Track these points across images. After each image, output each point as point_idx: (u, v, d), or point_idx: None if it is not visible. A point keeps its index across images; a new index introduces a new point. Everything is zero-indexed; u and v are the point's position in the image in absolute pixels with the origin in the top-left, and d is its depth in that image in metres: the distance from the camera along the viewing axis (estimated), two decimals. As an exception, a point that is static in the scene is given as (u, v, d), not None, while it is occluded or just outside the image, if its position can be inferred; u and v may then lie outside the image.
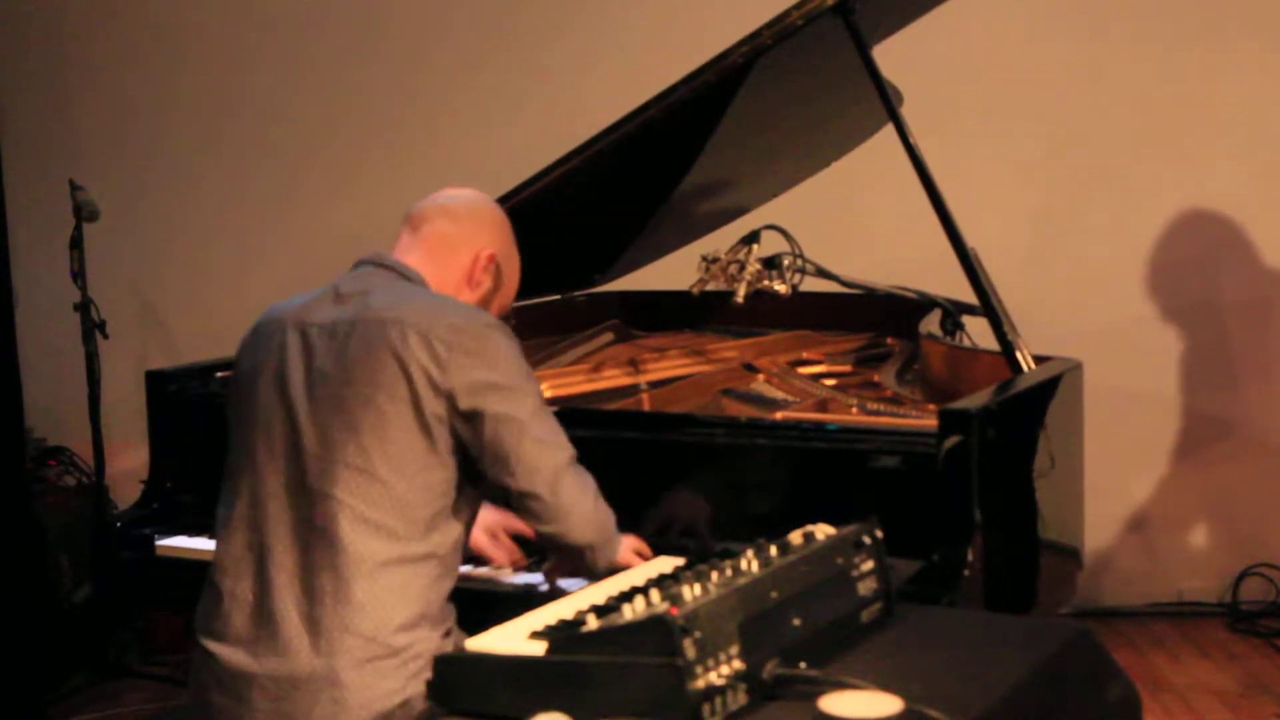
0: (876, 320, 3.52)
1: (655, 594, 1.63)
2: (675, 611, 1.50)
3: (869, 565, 1.84)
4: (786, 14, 2.78)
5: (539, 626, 1.80)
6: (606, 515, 2.20)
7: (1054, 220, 4.65)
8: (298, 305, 2.24)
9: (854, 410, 2.79)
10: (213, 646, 2.12)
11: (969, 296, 2.87)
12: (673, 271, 3.60)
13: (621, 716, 1.48)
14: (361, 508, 2.07)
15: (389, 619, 2.05)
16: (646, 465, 2.52)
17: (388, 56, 4.91)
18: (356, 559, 2.06)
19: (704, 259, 3.11)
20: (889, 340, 3.45)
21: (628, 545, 2.32)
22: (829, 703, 1.45)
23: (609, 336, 3.58)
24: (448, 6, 4.88)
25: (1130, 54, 4.58)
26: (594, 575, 2.25)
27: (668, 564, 2.18)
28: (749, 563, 1.72)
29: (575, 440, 2.19)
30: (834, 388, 3.02)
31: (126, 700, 4.10)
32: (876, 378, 3.11)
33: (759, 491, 2.44)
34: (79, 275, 4.22)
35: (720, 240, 3.24)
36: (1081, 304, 4.54)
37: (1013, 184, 4.62)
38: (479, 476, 2.16)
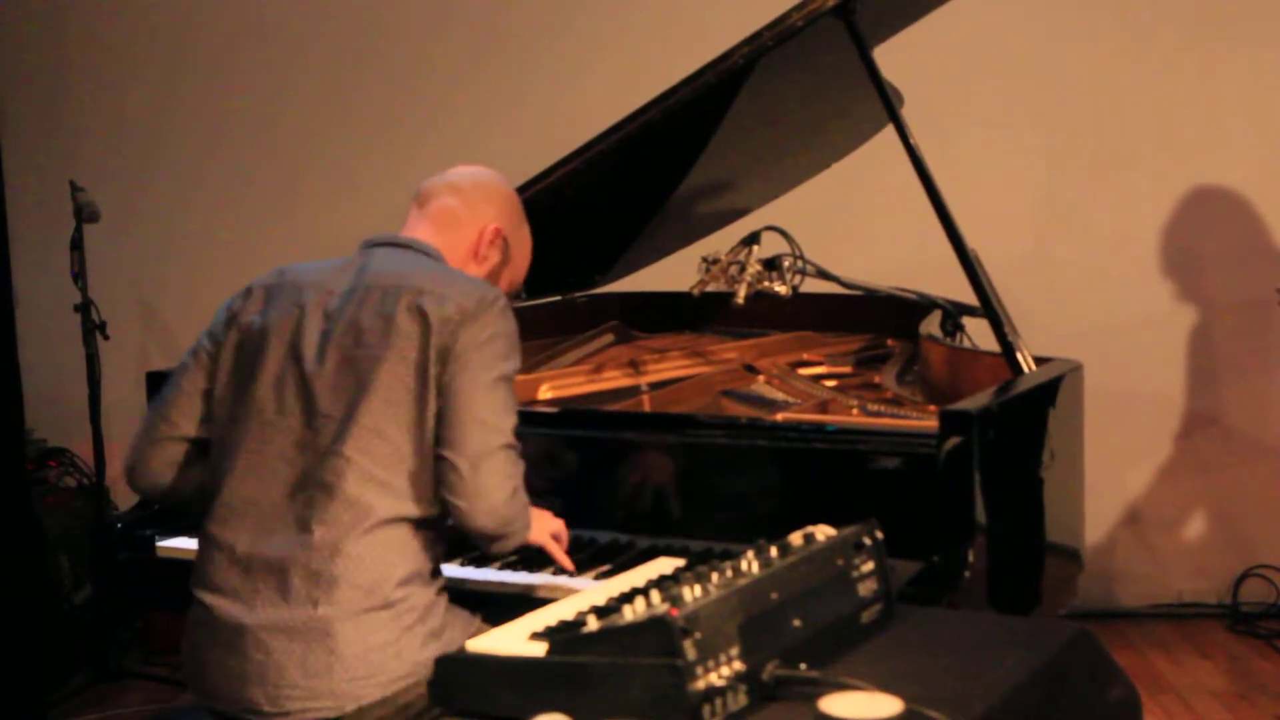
0: (877, 321, 3.52)
1: (656, 595, 1.63)
2: (676, 612, 1.50)
3: (869, 566, 1.84)
4: (787, 15, 2.78)
5: (539, 627, 1.80)
6: (517, 511, 2.15)
7: (1055, 221, 4.65)
8: (311, 270, 2.28)
9: (854, 411, 2.79)
10: (207, 598, 2.13)
11: (969, 297, 2.86)
12: (673, 273, 3.60)
13: (622, 717, 1.49)
14: (369, 465, 2.09)
15: (388, 573, 2.07)
16: (647, 466, 2.52)
17: (387, 57, 4.91)
18: (359, 513, 2.08)
19: (704, 260, 3.11)
20: (889, 341, 3.45)
21: (543, 525, 2.33)
22: (829, 704, 1.45)
23: (609, 338, 3.58)
24: (447, 7, 4.88)
25: (1130, 56, 4.58)
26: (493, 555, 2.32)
27: (668, 565, 2.18)
28: (749, 564, 1.72)
29: (576, 441, 2.19)
30: (834, 389, 3.02)
31: (126, 701, 4.10)
32: (877, 379, 3.11)
33: (759, 492, 2.44)
34: (79, 276, 4.22)
35: (720, 241, 3.24)
36: (1082, 305, 4.54)
37: (1013, 185, 4.62)
38: None
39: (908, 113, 2.90)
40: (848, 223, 4.41)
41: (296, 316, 2.20)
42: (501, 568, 2.46)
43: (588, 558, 2.45)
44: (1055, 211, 4.65)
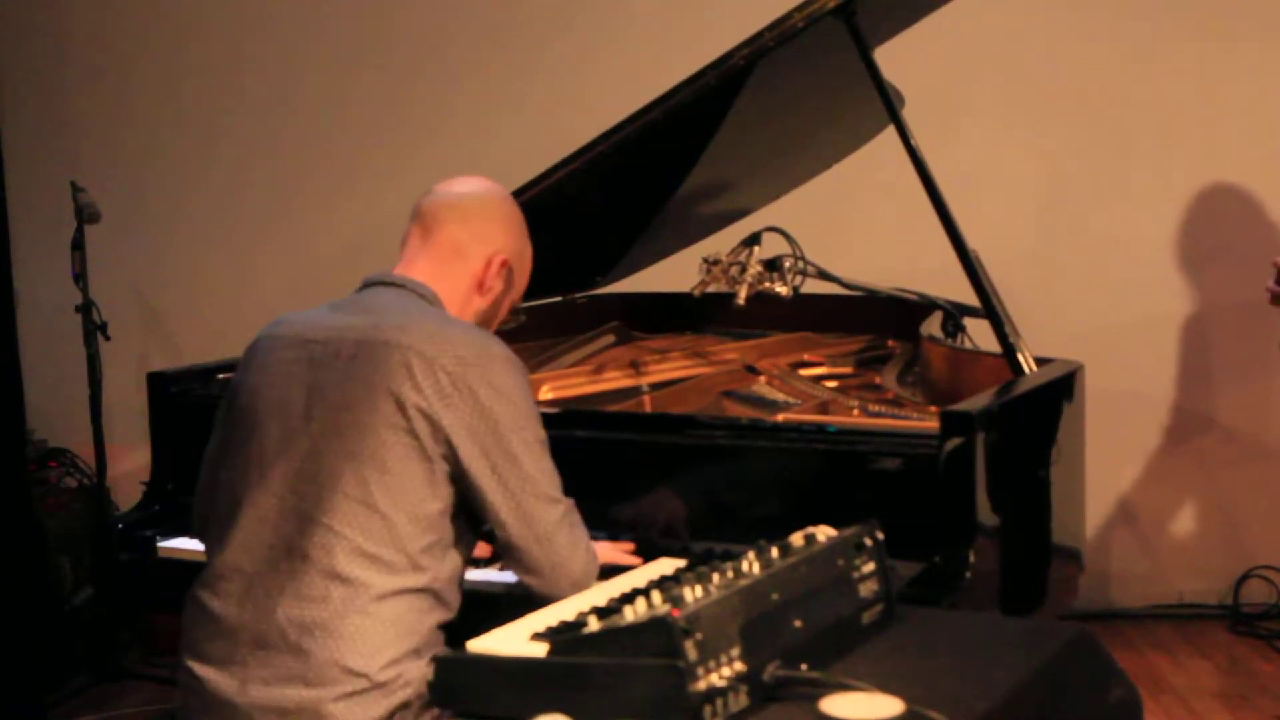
0: (877, 322, 3.52)
1: (656, 595, 1.62)
2: (676, 613, 1.50)
3: (870, 567, 1.84)
4: (788, 16, 2.77)
5: (540, 628, 1.80)
6: (593, 568, 2.13)
7: (1056, 221, 4.65)
8: (302, 322, 2.19)
9: (855, 412, 2.79)
10: (196, 667, 2.07)
11: (970, 298, 2.86)
12: (674, 273, 3.60)
13: (623, 718, 1.49)
14: (359, 540, 2.01)
15: (379, 654, 2.00)
16: (647, 467, 2.52)
17: (387, 58, 4.91)
18: (352, 592, 2.00)
19: (705, 261, 3.11)
20: (890, 342, 3.45)
21: (608, 548, 2.31)
22: (830, 704, 1.45)
23: (610, 338, 3.58)
24: (448, 7, 4.88)
25: (1130, 56, 4.59)
26: None
27: (669, 565, 2.18)
28: (750, 564, 1.72)
29: (576, 441, 2.19)
30: (835, 389, 3.02)
31: (127, 702, 4.10)
32: (878, 379, 3.11)
33: (760, 493, 2.44)
34: (80, 277, 4.22)
35: (721, 242, 3.24)
36: (1083, 306, 4.54)
37: (1014, 185, 4.62)
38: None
39: (908, 113, 2.90)
40: (848, 223, 4.41)
41: (284, 371, 2.12)
42: (502, 568, 2.45)
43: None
44: (1055, 211, 4.65)
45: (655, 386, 3.05)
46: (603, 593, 1.98)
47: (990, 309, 2.76)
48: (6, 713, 3.77)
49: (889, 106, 2.83)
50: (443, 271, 2.23)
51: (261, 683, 2.01)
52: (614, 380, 3.12)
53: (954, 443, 2.25)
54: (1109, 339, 4.35)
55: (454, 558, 2.12)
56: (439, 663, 1.70)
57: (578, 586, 2.09)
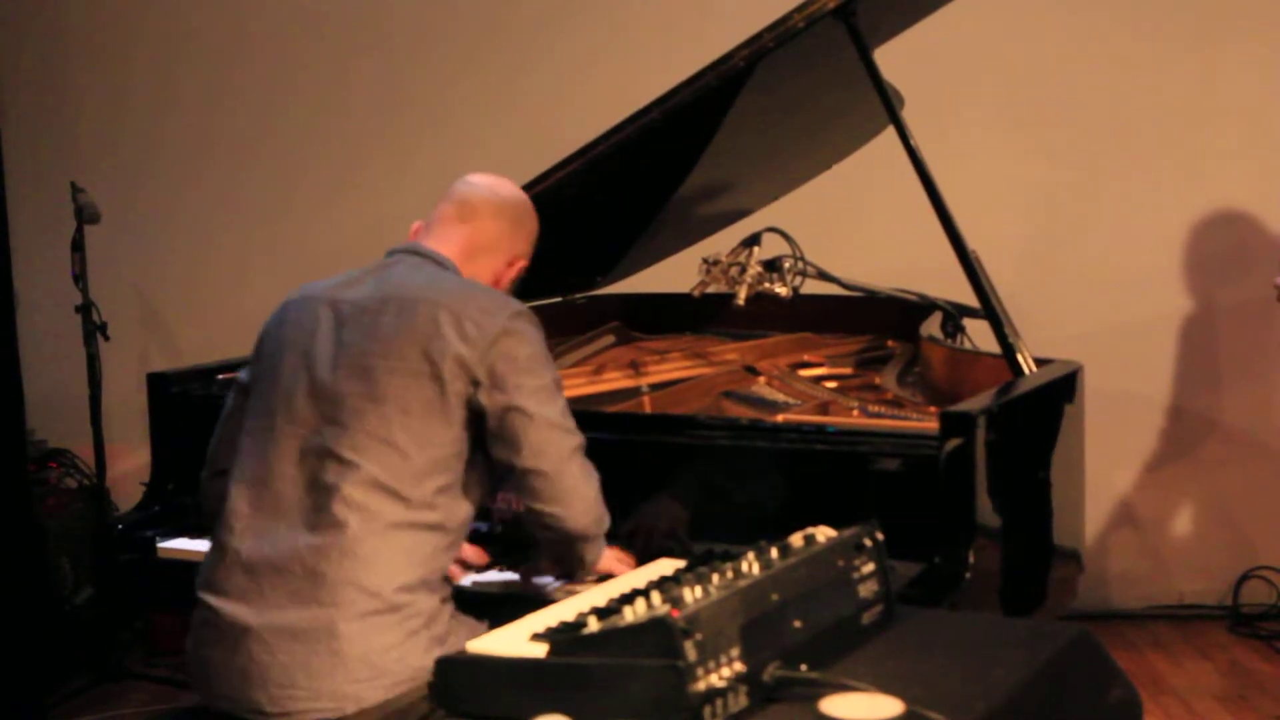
0: (877, 323, 3.52)
1: (656, 596, 1.63)
2: (676, 613, 1.50)
3: (870, 568, 1.84)
4: (788, 16, 2.78)
5: (540, 628, 1.80)
6: (603, 510, 2.24)
7: (1055, 222, 4.65)
8: (331, 284, 2.29)
9: (855, 413, 2.79)
10: (210, 599, 2.14)
11: (969, 298, 2.87)
12: (674, 274, 3.61)
13: (622, 718, 1.49)
14: (377, 473, 2.10)
15: (393, 576, 2.07)
16: (648, 467, 2.52)
17: (386, 57, 4.91)
18: (368, 518, 2.08)
19: (705, 261, 3.12)
20: (890, 343, 3.45)
21: (610, 554, 2.35)
22: (830, 705, 1.45)
23: (610, 339, 3.59)
24: (446, 7, 4.88)
25: (1130, 56, 4.58)
26: (574, 575, 2.31)
27: (669, 566, 2.18)
28: (750, 565, 1.72)
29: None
30: (835, 390, 3.02)
31: (127, 702, 4.09)
32: (877, 380, 3.11)
33: (760, 494, 2.44)
34: (80, 277, 4.22)
35: (721, 243, 3.25)
36: (1083, 307, 4.54)
37: (1013, 186, 4.62)
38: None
39: (908, 114, 2.90)
40: (848, 224, 4.41)
41: (311, 327, 2.22)
42: (502, 569, 2.46)
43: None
44: (1055, 212, 4.65)
45: (655, 387, 3.05)
46: (603, 593, 1.98)
47: (990, 309, 2.76)
48: (6, 713, 3.77)
49: (889, 107, 2.83)
50: (472, 257, 2.35)
51: (275, 606, 2.07)
52: (614, 381, 3.12)
53: (954, 443, 2.25)
54: (1109, 339, 4.35)
55: (465, 506, 2.20)
56: (439, 663, 1.71)
57: (590, 512, 2.21)
